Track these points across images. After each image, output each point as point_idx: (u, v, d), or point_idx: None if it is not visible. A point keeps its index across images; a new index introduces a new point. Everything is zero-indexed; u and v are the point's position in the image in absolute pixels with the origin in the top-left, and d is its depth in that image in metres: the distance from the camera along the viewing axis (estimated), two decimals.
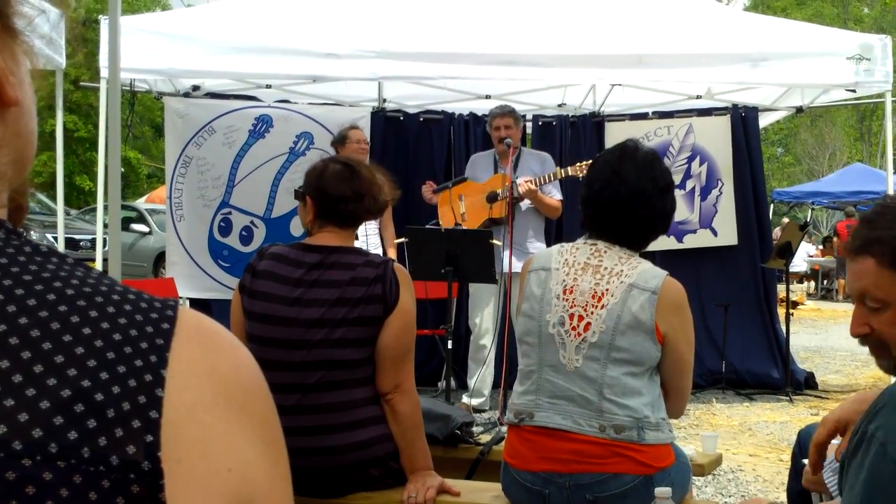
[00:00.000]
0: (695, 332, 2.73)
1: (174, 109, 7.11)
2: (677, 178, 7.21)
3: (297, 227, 7.13)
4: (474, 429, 3.44)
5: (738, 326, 7.42)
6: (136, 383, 0.65)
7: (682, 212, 7.32)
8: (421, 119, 7.68)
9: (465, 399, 6.30)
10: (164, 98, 7.23)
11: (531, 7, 6.60)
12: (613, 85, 7.26)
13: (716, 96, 7.72)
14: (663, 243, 6.96)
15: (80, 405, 0.62)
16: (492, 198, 6.04)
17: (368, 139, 6.52)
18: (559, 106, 8.07)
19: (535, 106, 7.94)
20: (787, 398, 6.99)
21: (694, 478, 3.00)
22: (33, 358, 0.63)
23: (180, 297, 6.90)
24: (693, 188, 7.56)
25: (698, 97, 7.72)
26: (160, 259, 13.66)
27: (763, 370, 7.43)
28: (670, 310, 2.58)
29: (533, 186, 5.92)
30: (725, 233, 7.57)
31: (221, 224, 7.16)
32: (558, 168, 6.10)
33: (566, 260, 2.69)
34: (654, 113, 7.74)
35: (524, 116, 7.52)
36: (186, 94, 7.35)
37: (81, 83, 14.54)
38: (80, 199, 25.37)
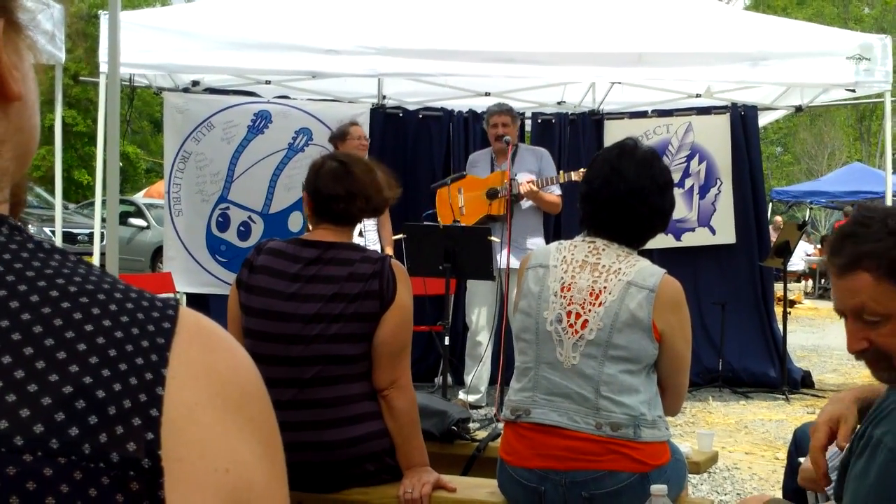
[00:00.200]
0: (692, 330, 2.73)
1: (173, 104, 7.11)
2: (676, 177, 7.21)
3: (295, 223, 7.13)
4: (471, 425, 3.44)
5: (735, 325, 7.42)
6: (137, 381, 0.65)
7: (680, 210, 7.32)
8: (420, 116, 7.68)
9: (461, 395, 6.30)
10: (164, 93, 7.23)
11: (531, 4, 6.60)
12: (613, 83, 7.26)
13: (715, 95, 7.72)
14: (661, 241, 6.95)
15: (81, 401, 0.62)
16: (492, 194, 6.04)
17: (368, 136, 6.52)
18: (558, 104, 8.07)
19: (535, 104, 7.93)
20: (784, 397, 7.00)
21: (690, 476, 3.00)
22: (35, 354, 0.63)
23: (178, 292, 6.90)
24: (692, 187, 7.57)
25: (698, 96, 7.73)
26: (158, 254, 13.65)
27: (760, 369, 7.44)
28: (668, 308, 2.59)
29: (534, 188, 5.92)
30: (724, 231, 7.57)
31: (219, 219, 7.16)
32: (561, 172, 6.10)
33: (564, 257, 2.69)
34: (653, 111, 7.75)
35: (523, 114, 7.52)
36: (185, 90, 7.34)
37: (81, 78, 14.50)
38: (78, 193, 25.32)
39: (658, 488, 2.27)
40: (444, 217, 6.12)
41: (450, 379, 5.61)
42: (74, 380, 0.63)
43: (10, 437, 0.60)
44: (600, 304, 2.58)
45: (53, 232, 7.69)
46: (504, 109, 6.26)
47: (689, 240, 7.56)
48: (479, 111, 7.49)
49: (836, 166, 30.29)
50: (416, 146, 7.63)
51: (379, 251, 4.24)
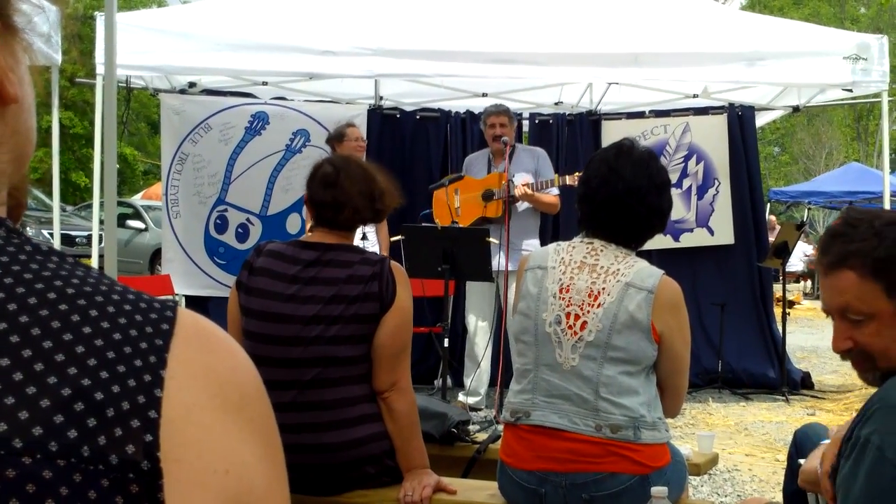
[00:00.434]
0: (691, 332, 2.73)
1: (170, 106, 7.11)
2: (674, 177, 7.21)
3: (293, 225, 7.13)
4: (470, 427, 3.43)
5: (734, 326, 7.42)
6: (136, 383, 0.65)
7: (678, 211, 7.32)
8: (417, 117, 7.68)
9: (461, 397, 6.30)
10: (161, 95, 7.22)
11: (528, 5, 6.61)
12: (610, 83, 7.27)
13: (712, 95, 7.73)
14: (660, 242, 6.96)
15: (79, 404, 0.62)
16: (488, 196, 6.04)
17: (365, 137, 6.51)
18: (556, 104, 8.07)
19: (532, 104, 7.93)
20: (784, 398, 7.00)
21: (690, 477, 3.00)
22: (34, 356, 0.63)
23: (176, 295, 6.90)
24: (690, 187, 7.57)
25: (695, 96, 7.73)
26: (156, 256, 13.64)
27: (759, 370, 7.44)
28: (666, 309, 2.58)
29: (530, 191, 5.92)
30: (722, 232, 7.58)
31: (217, 221, 7.15)
32: (556, 175, 6.10)
33: (563, 259, 2.69)
34: (650, 112, 7.75)
35: (520, 115, 7.52)
36: (183, 91, 7.34)
37: (77, 80, 14.52)
38: (76, 195, 25.31)
39: (658, 490, 2.27)
40: (441, 218, 6.11)
41: (449, 381, 5.61)
42: (73, 382, 0.63)
43: (10, 440, 0.60)
44: (599, 306, 2.58)
45: (51, 234, 7.69)
46: (501, 110, 6.26)
47: (687, 241, 7.57)
48: (476, 112, 7.49)
49: (833, 166, 30.32)
50: (413, 147, 7.63)
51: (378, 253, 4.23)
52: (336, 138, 5.97)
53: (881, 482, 1.63)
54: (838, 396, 7.22)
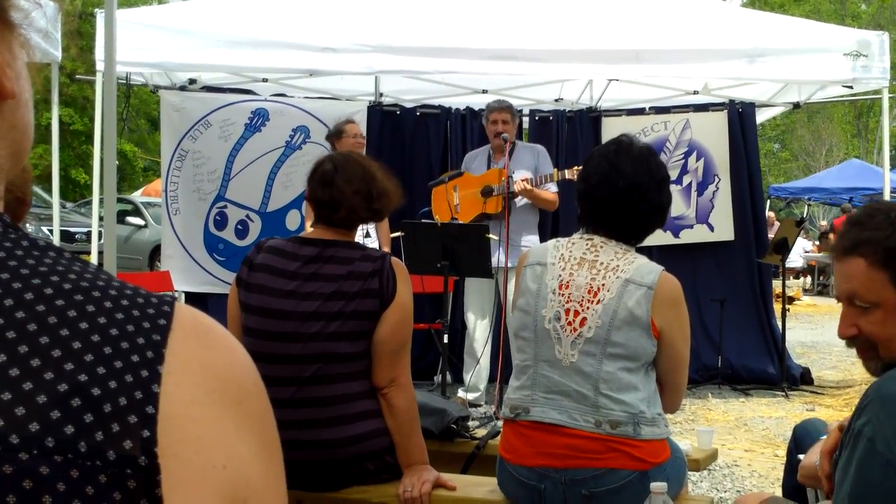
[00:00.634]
0: (691, 328, 2.73)
1: (170, 103, 7.10)
2: (674, 174, 7.21)
3: (293, 221, 7.13)
4: (470, 423, 3.43)
5: (734, 322, 7.42)
6: (133, 379, 0.65)
7: (678, 207, 7.33)
8: (418, 113, 7.68)
9: (460, 393, 6.30)
10: (160, 91, 7.22)
11: (528, 2, 6.61)
12: (610, 80, 7.26)
13: (713, 92, 7.72)
14: (659, 238, 6.97)
15: (76, 400, 0.62)
16: (487, 192, 6.04)
17: (365, 133, 6.51)
18: (556, 101, 8.06)
19: (532, 101, 7.93)
20: (783, 394, 7.01)
21: (690, 473, 3.00)
22: (30, 352, 0.62)
23: (176, 291, 6.90)
24: (690, 183, 7.57)
25: (695, 93, 7.72)
26: (156, 252, 13.63)
27: (759, 365, 7.44)
28: (666, 305, 2.58)
29: (528, 186, 5.91)
30: (722, 228, 7.58)
31: (217, 218, 7.15)
32: (555, 170, 6.09)
33: (562, 255, 2.68)
34: (650, 108, 7.75)
35: (520, 111, 7.51)
36: (182, 88, 7.33)
37: (77, 76, 14.52)
38: (75, 192, 25.30)
39: (658, 486, 2.27)
40: (440, 215, 6.11)
41: (449, 377, 5.61)
42: (70, 378, 0.63)
43: (6, 436, 0.60)
44: (598, 302, 2.58)
45: (51, 231, 7.68)
46: (504, 106, 6.24)
47: (687, 237, 7.57)
48: (476, 108, 7.49)
49: (833, 163, 30.32)
50: (413, 143, 7.62)
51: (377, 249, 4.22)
52: (335, 135, 5.96)
53: (871, 474, 1.63)
54: (838, 392, 7.23)
